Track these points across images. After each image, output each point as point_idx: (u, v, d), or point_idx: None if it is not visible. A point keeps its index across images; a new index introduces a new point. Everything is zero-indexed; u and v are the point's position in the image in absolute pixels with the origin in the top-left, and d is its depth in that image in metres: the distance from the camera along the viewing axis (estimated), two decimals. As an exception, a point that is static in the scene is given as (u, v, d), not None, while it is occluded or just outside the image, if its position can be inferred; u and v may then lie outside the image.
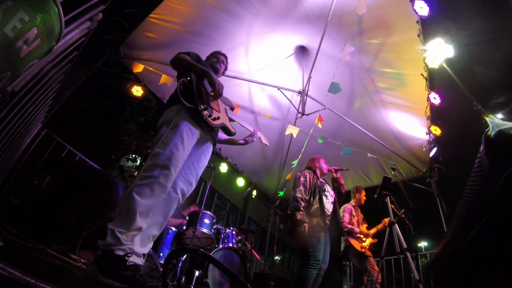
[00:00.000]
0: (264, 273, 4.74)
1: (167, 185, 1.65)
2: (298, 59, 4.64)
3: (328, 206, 2.94)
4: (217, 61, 2.39)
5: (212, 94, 2.00)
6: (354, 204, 4.45)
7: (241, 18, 3.84)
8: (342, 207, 4.36)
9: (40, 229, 2.59)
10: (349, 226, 4.16)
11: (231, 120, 2.23)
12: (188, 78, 1.90)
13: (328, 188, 3.09)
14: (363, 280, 4.10)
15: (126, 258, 1.45)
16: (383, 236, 3.03)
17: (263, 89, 4.98)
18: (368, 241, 4.18)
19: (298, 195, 2.83)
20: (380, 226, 4.30)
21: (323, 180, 3.12)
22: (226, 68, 2.51)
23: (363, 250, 4.09)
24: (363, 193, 4.55)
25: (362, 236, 4.19)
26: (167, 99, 5.16)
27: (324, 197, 2.94)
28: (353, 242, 4.10)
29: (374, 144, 4.89)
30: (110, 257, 1.41)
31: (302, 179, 2.97)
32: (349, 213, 4.30)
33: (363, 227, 4.33)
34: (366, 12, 3.25)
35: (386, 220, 4.23)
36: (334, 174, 3.24)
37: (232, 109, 2.34)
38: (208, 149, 2.07)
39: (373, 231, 4.31)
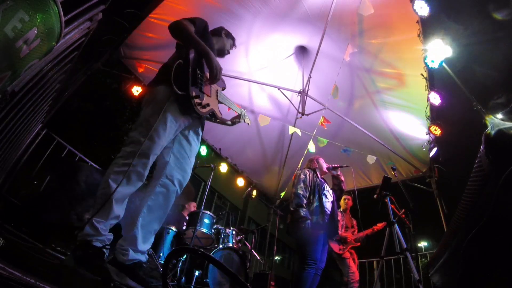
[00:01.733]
0: (264, 273, 4.74)
1: (144, 174, 1.61)
2: (298, 59, 4.64)
3: (328, 205, 2.94)
4: (230, 48, 2.31)
5: (209, 77, 1.89)
6: (341, 209, 4.51)
7: (241, 18, 3.84)
8: None
9: (40, 229, 2.59)
10: None
11: (220, 102, 2.10)
12: (185, 57, 1.75)
13: (327, 187, 3.09)
14: (343, 281, 4.27)
15: (104, 250, 1.44)
16: (383, 236, 3.02)
17: (263, 89, 4.98)
18: (347, 245, 4.34)
19: (300, 191, 2.84)
20: (368, 231, 4.43)
21: (322, 180, 3.12)
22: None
23: (340, 252, 4.25)
24: (350, 198, 4.63)
25: (341, 239, 4.32)
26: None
27: (323, 196, 2.94)
28: (332, 245, 4.24)
29: (374, 144, 4.89)
30: (87, 247, 1.40)
31: (302, 176, 2.98)
32: None
33: (348, 232, 4.44)
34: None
35: (377, 226, 4.41)
36: (334, 172, 3.25)
37: (223, 89, 2.20)
38: (198, 135, 1.99)
39: (357, 235, 4.44)
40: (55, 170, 3.21)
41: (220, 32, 2.28)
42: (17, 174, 3.48)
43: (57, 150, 4.12)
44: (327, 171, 3.25)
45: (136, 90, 4.47)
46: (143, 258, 1.63)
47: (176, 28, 1.84)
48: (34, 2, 1.09)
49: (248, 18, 3.86)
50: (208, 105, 1.87)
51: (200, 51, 1.81)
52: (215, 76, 1.85)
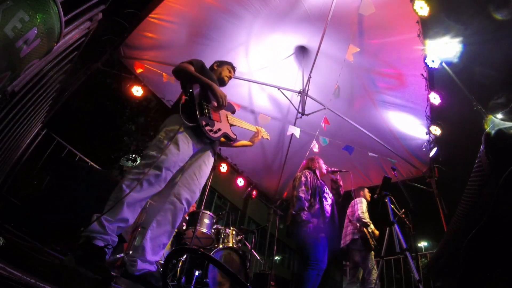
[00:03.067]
0: (264, 273, 4.74)
1: (155, 184, 1.71)
2: (298, 59, 4.64)
3: (328, 208, 2.94)
4: (229, 72, 2.47)
5: (216, 105, 2.08)
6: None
7: (241, 18, 3.84)
8: (358, 199, 4.30)
9: (40, 229, 2.59)
10: (367, 218, 4.05)
11: (232, 125, 2.30)
12: (190, 91, 1.95)
13: (327, 189, 3.08)
14: (358, 276, 4.04)
15: (106, 249, 1.46)
16: (383, 236, 3.02)
17: (263, 89, 4.98)
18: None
19: (302, 194, 2.82)
20: None
21: (322, 182, 3.12)
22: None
23: (373, 247, 3.96)
24: (367, 190, 4.52)
25: (373, 232, 4.08)
26: (167, 98, 5.07)
27: (323, 199, 2.93)
28: (369, 235, 3.96)
29: (374, 144, 4.89)
30: (88, 247, 1.43)
31: (303, 179, 2.96)
32: (366, 205, 4.21)
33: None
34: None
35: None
36: (333, 176, 3.24)
37: (233, 112, 2.40)
38: (209, 159, 2.14)
39: None
40: (55, 170, 3.20)
41: (212, 66, 2.50)
42: (17, 174, 3.48)
43: (57, 150, 4.12)
44: (325, 173, 3.23)
45: (136, 90, 4.47)
46: (152, 268, 1.70)
47: (179, 71, 2.07)
48: (34, 2, 1.09)
49: (248, 18, 3.86)
50: (219, 130, 2.06)
51: (203, 84, 2.03)
52: (222, 103, 2.06)
